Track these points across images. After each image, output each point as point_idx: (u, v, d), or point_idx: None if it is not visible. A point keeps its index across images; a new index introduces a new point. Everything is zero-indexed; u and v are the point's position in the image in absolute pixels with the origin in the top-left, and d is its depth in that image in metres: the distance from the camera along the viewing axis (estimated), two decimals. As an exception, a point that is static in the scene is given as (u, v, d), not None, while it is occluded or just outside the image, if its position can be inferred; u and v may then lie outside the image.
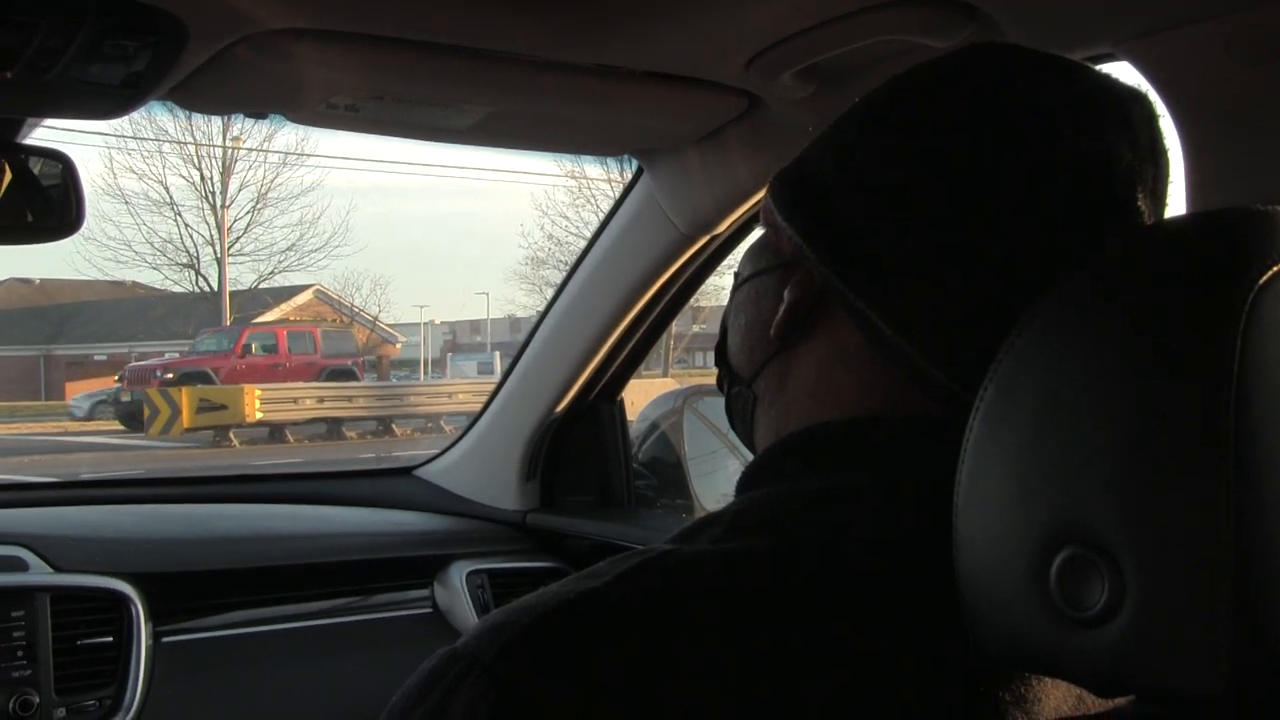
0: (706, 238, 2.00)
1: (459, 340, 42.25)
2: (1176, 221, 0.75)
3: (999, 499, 0.68)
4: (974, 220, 0.80)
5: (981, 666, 0.72)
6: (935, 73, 0.87)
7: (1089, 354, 0.66)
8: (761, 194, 1.79)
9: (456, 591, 2.17)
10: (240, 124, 27.98)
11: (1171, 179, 0.86)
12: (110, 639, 1.80)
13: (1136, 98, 0.85)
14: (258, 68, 1.39)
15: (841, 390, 0.86)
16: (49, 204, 1.55)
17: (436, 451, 2.58)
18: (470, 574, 2.19)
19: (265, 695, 1.90)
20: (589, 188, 31.14)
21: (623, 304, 2.12)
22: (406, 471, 2.60)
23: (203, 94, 1.44)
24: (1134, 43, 1.27)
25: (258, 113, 1.54)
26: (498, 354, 33.86)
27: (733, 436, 2.70)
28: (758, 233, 0.97)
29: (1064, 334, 0.68)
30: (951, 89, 0.85)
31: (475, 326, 43.43)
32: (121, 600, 1.82)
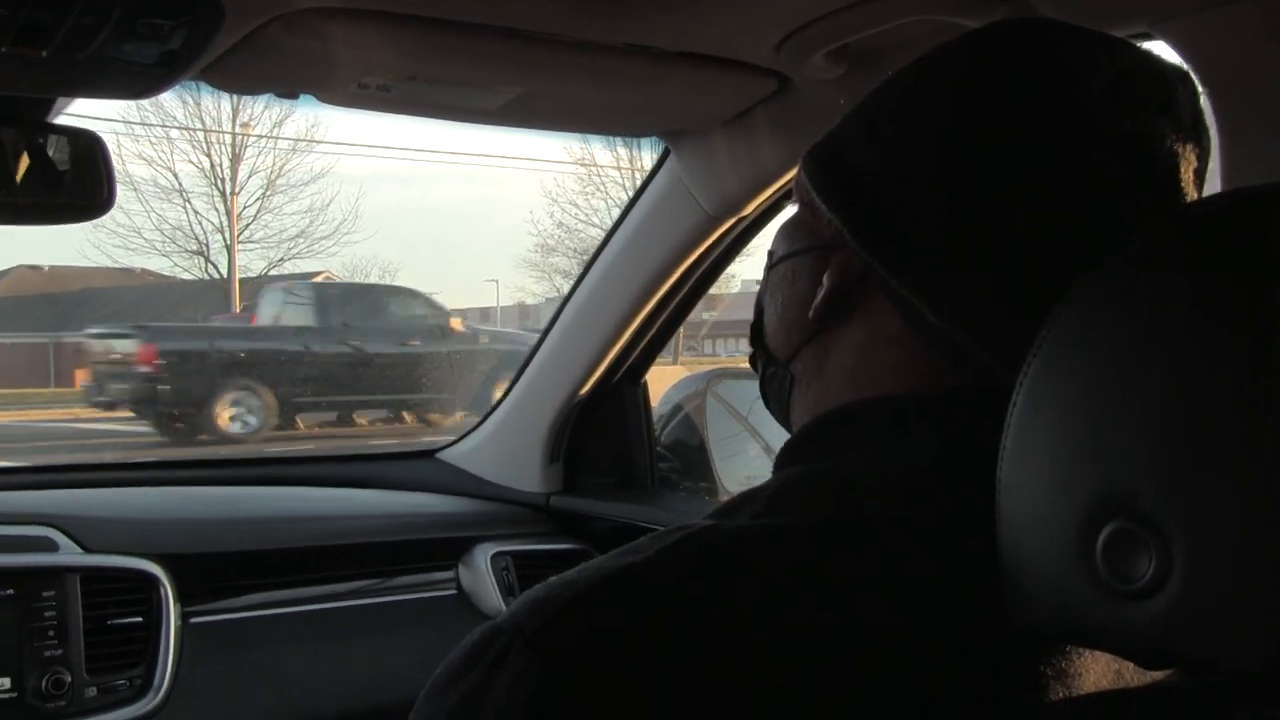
0: (733, 220, 2.00)
1: (468, 327, 42.20)
2: (1219, 199, 0.75)
3: (1043, 475, 0.68)
4: (1013, 199, 0.79)
5: (1022, 642, 0.72)
6: (973, 48, 0.86)
7: (1134, 330, 0.65)
8: (789, 176, 1.80)
9: (481, 573, 2.18)
10: (250, 109, 27.93)
11: (1210, 159, 0.85)
12: (140, 619, 1.81)
13: (1180, 77, 0.84)
14: (291, 47, 1.39)
15: (880, 373, 0.86)
16: (80, 184, 1.56)
17: (459, 435, 2.58)
18: (495, 556, 2.20)
19: (293, 675, 1.91)
20: (598, 174, 31.13)
21: (648, 286, 2.12)
22: (429, 454, 2.61)
23: (235, 73, 1.45)
24: (1170, 22, 1.27)
25: (288, 93, 1.54)
26: (508, 341, 33.74)
27: (753, 419, 2.72)
28: (789, 211, 0.96)
29: (1109, 310, 0.67)
30: (990, 65, 0.84)
31: (485, 314, 43.37)
32: (151, 581, 1.83)
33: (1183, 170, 0.81)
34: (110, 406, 14.45)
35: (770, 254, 0.96)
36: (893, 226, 0.82)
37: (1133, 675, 0.78)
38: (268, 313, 16.40)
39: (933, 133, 0.83)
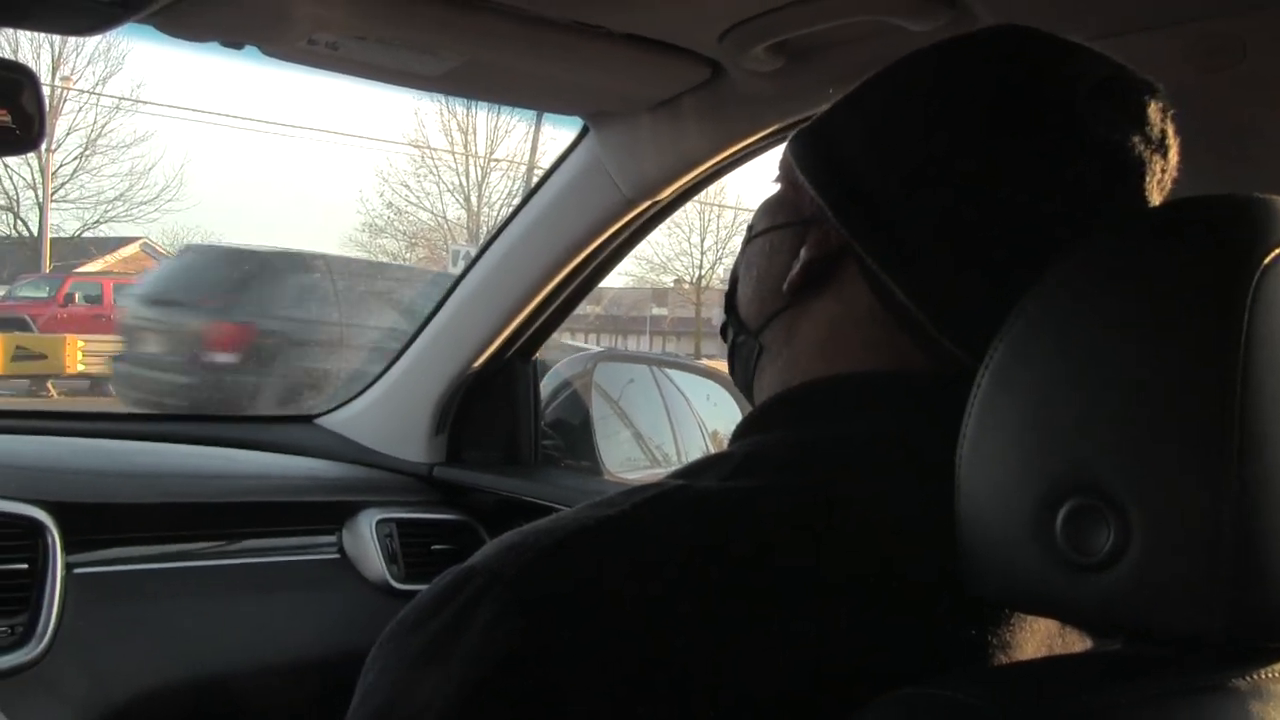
0: (648, 203, 2.03)
1: (289, 304, 41.21)
2: (1185, 202, 0.80)
3: (1006, 452, 0.72)
4: (992, 196, 0.83)
5: (971, 609, 0.77)
6: (963, 51, 0.91)
7: (1102, 319, 0.70)
8: (711, 162, 1.85)
9: (365, 539, 2.18)
10: (72, 63, 26.87)
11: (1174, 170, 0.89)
12: (25, 566, 1.76)
13: (1152, 90, 0.88)
14: None
15: (849, 348, 0.89)
16: (10, 118, 1.50)
17: (339, 401, 2.57)
18: (380, 522, 2.20)
19: (176, 630, 1.88)
20: (432, 157, 30.70)
21: (555, 263, 2.13)
22: (308, 419, 2.58)
23: (188, 19, 1.42)
24: (1100, 42, 1.35)
25: (234, 43, 1.53)
26: (331, 321, 33.00)
27: (624, 404, 2.75)
28: (771, 190, 0.99)
29: (1078, 299, 0.72)
30: (980, 68, 0.88)
31: (305, 292, 42.47)
32: (37, 527, 1.78)
33: (1149, 180, 0.86)
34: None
35: (749, 228, 1.00)
36: (873, 206, 0.86)
37: (1063, 649, 0.83)
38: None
39: (923, 128, 0.87)
